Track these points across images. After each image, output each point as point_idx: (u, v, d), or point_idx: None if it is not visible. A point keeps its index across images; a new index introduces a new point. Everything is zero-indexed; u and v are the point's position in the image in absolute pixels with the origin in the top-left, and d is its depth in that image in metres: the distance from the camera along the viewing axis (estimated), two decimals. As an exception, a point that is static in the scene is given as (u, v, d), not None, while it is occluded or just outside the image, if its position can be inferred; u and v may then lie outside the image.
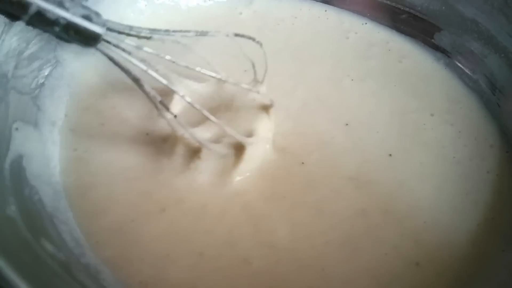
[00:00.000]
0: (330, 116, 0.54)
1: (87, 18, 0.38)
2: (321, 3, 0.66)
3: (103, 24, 0.39)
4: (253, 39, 0.47)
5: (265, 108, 0.51)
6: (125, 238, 0.44)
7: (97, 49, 0.40)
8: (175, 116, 0.44)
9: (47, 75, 0.51)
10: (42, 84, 0.50)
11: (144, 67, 0.41)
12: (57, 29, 0.37)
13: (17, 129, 0.44)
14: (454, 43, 0.61)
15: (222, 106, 0.50)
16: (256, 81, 0.49)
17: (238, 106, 0.50)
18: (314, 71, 0.59)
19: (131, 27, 0.41)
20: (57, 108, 0.51)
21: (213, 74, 0.46)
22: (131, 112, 0.52)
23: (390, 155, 0.52)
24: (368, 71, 0.60)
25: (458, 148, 0.54)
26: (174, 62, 0.43)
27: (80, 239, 0.43)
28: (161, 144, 0.49)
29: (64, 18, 0.36)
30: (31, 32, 0.48)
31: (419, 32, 0.64)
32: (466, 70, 0.60)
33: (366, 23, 0.65)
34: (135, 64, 0.41)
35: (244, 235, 0.45)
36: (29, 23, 0.36)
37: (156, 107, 0.43)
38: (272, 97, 0.51)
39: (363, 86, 0.58)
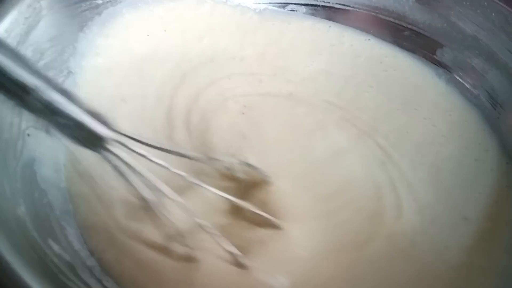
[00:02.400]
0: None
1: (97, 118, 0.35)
2: (325, 20, 0.68)
3: (111, 127, 0.36)
4: (263, 174, 0.47)
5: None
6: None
7: (100, 154, 0.37)
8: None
9: (60, 85, 0.53)
10: (55, 93, 0.52)
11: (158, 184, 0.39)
12: (62, 121, 0.34)
13: (29, 135, 0.46)
14: (455, 59, 0.63)
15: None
16: None
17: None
18: (312, 88, 0.60)
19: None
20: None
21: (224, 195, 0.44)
22: (143, 122, 0.53)
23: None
24: (369, 87, 0.61)
25: (459, 161, 0.54)
26: (183, 176, 0.41)
27: (85, 242, 0.44)
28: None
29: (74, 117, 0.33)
30: (46, 43, 0.51)
31: (421, 48, 0.65)
32: (468, 86, 0.61)
33: (369, 39, 0.67)
34: (143, 175, 0.38)
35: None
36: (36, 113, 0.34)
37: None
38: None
39: (365, 100, 0.59)
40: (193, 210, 0.41)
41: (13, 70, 0.30)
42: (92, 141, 0.36)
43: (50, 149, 0.48)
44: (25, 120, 0.46)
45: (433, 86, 0.62)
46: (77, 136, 0.35)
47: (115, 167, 0.38)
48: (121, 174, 0.38)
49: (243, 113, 0.56)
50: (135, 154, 0.38)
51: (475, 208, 0.51)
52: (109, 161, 0.37)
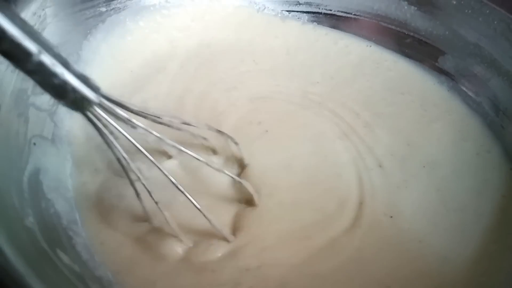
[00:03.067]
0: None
1: (83, 80, 0.35)
2: (327, 27, 0.69)
3: (97, 89, 0.36)
4: (233, 140, 0.49)
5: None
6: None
7: (85, 115, 0.37)
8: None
9: (64, 93, 0.52)
10: (59, 101, 0.51)
11: (134, 142, 0.39)
12: (55, 81, 0.33)
13: (35, 144, 0.46)
14: (457, 66, 0.63)
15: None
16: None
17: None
18: (317, 91, 0.61)
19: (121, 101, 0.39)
20: (73, 125, 0.52)
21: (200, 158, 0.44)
22: (144, 134, 0.53)
23: (380, 166, 0.53)
24: (366, 97, 0.61)
25: (459, 170, 0.54)
26: (162, 139, 0.41)
27: (92, 252, 0.43)
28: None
29: (62, 76, 0.33)
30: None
31: (424, 56, 0.65)
32: (470, 93, 0.62)
33: (371, 46, 0.67)
34: (126, 137, 0.39)
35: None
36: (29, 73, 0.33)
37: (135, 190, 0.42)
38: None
39: (358, 113, 0.59)
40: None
41: (9, 31, 0.30)
42: (80, 103, 0.35)
43: (55, 159, 0.48)
44: (31, 129, 0.46)
45: (435, 93, 0.63)
46: (65, 98, 0.34)
47: (100, 131, 0.38)
48: (105, 138, 0.38)
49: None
50: (120, 119, 0.38)
51: (479, 202, 0.51)
52: (94, 124, 0.37)
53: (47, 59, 0.32)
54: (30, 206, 0.40)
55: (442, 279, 0.45)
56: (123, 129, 0.39)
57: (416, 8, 0.65)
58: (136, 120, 0.39)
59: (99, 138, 0.49)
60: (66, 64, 0.33)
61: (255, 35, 0.66)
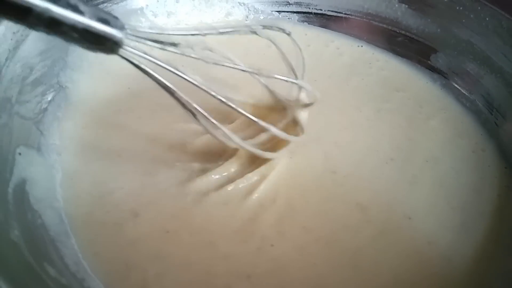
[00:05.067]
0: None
1: (104, 22, 0.34)
2: (317, 27, 0.68)
3: (122, 27, 0.36)
4: (284, 31, 0.46)
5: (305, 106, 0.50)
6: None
7: (121, 56, 0.37)
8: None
9: (50, 100, 0.52)
10: (45, 109, 0.51)
11: (173, 69, 0.39)
12: (75, 35, 0.33)
13: (20, 154, 0.45)
14: (450, 64, 0.63)
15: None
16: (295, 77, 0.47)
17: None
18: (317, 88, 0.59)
19: (150, 29, 0.39)
20: (60, 133, 0.51)
21: (249, 69, 0.44)
22: (134, 136, 0.52)
23: (392, 159, 0.53)
24: (364, 93, 0.61)
25: (457, 167, 0.54)
26: (200, 59, 0.40)
27: (82, 263, 0.42)
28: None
29: (80, 23, 0.32)
30: (35, 58, 0.49)
31: (415, 54, 0.65)
32: (463, 91, 0.61)
33: (362, 46, 0.67)
34: (165, 67, 0.39)
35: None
36: (46, 31, 0.33)
37: (192, 113, 0.41)
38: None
39: (359, 107, 0.59)
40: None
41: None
42: (109, 46, 0.35)
43: (42, 169, 0.46)
44: (16, 139, 0.45)
45: (428, 91, 0.62)
46: (93, 44, 0.35)
47: (138, 67, 0.38)
48: (145, 71, 0.38)
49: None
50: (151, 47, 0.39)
51: (478, 199, 0.51)
52: (130, 61, 0.37)
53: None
54: (15, 219, 0.39)
55: (444, 282, 0.44)
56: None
57: (407, 6, 0.65)
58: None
59: (96, 149, 0.50)
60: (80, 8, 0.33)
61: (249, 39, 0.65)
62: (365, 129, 0.56)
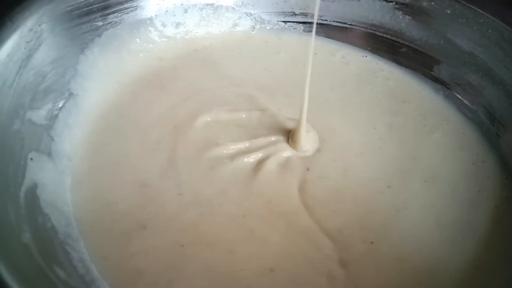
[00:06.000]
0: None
1: None
2: (323, 37, 0.69)
3: None
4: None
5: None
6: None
7: None
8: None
9: (61, 107, 0.53)
10: (56, 116, 0.52)
11: None
12: None
13: (32, 159, 0.46)
14: (453, 75, 0.63)
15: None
16: None
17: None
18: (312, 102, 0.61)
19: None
20: (70, 139, 0.52)
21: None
22: (141, 145, 0.53)
23: (389, 186, 0.53)
24: (376, 106, 0.62)
25: (458, 172, 0.55)
26: None
27: (90, 266, 0.43)
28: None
29: None
30: (47, 66, 0.51)
31: (419, 65, 0.66)
32: (465, 101, 0.62)
33: (366, 56, 0.68)
34: None
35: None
36: None
37: None
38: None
39: (362, 116, 0.60)
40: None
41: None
42: None
43: (53, 174, 0.48)
44: (28, 144, 0.46)
45: (432, 102, 0.63)
46: None
47: None
48: None
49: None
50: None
51: (474, 211, 0.51)
52: None
53: None
54: (27, 222, 0.40)
55: None
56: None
57: (411, 17, 0.66)
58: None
59: (100, 156, 0.52)
60: None
61: (257, 51, 0.67)
62: (376, 150, 0.56)
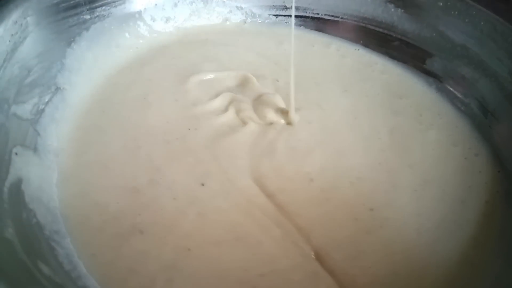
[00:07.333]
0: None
1: None
2: (314, 31, 0.69)
3: None
4: None
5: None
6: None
7: None
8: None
9: (48, 101, 0.52)
10: (42, 110, 0.51)
11: None
12: None
13: (16, 153, 0.45)
14: (445, 68, 0.63)
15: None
16: None
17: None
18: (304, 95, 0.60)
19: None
20: (57, 135, 0.51)
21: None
22: (130, 142, 0.52)
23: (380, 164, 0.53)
24: (360, 96, 0.61)
25: (450, 171, 0.54)
26: None
27: (77, 262, 0.43)
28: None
29: None
30: (33, 60, 0.50)
31: (411, 58, 0.66)
32: (458, 94, 0.62)
33: (358, 49, 0.67)
34: None
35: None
36: None
37: None
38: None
39: (355, 109, 0.59)
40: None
41: None
42: None
43: (38, 168, 0.47)
44: (12, 139, 0.45)
45: (425, 95, 0.63)
46: None
47: None
48: None
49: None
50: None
51: (464, 208, 0.50)
52: None
53: None
54: (10, 217, 0.40)
55: None
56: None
57: (403, 10, 0.65)
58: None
59: (88, 154, 0.51)
60: None
61: (249, 45, 0.66)
62: (376, 166, 0.54)
